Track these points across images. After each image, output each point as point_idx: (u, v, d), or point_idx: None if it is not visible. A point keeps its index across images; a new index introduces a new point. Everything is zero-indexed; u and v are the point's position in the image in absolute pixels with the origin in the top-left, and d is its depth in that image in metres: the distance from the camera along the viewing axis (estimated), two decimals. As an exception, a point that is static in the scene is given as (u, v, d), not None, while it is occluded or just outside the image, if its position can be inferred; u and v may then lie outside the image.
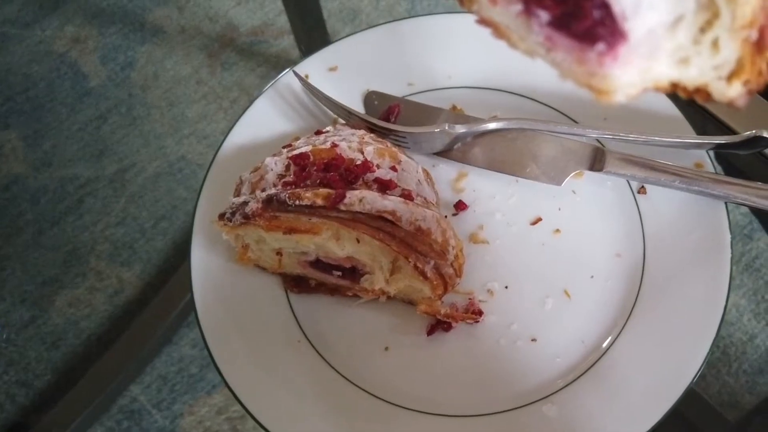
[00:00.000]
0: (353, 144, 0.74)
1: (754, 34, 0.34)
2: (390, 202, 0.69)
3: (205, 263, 0.79)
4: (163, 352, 1.23)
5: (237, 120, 0.85)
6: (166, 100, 1.46)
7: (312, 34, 1.32)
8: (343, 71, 0.89)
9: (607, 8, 0.35)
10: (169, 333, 1.24)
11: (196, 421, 1.17)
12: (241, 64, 1.50)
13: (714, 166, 0.81)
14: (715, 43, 0.36)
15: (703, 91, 0.38)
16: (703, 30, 0.36)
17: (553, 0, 0.36)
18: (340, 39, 0.89)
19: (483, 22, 0.41)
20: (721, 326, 0.73)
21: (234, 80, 1.48)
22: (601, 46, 0.36)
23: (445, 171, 0.85)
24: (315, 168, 0.72)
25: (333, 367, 0.75)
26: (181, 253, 1.31)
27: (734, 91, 0.37)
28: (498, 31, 0.40)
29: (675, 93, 0.39)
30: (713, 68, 0.37)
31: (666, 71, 0.38)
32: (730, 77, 0.36)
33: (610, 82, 0.37)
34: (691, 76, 0.37)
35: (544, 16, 0.37)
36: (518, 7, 0.38)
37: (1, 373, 1.21)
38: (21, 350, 1.23)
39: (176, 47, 1.53)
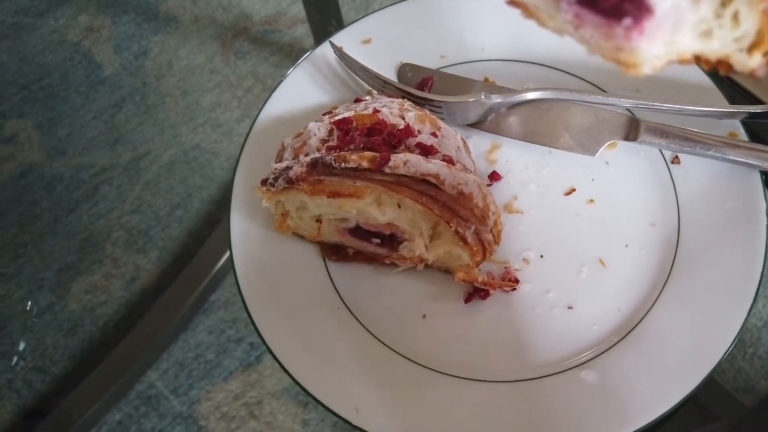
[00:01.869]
0: (394, 110, 0.75)
1: None
2: (434, 166, 0.69)
3: (244, 231, 0.79)
4: (180, 339, 1.22)
5: (273, 90, 0.85)
6: (180, 89, 1.46)
7: (327, 23, 1.32)
8: (376, 44, 0.89)
9: None
10: (185, 319, 1.24)
11: (213, 407, 1.17)
12: (255, 53, 1.50)
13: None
14: (735, 16, 0.37)
15: (724, 63, 0.39)
16: (724, 4, 0.37)
17: None
18: (373, 12, 0.90)
19: (513, 3, 0.42)
20: (759, 293, 0.73)
21: (248, 69, 1.48)
22: (627, 21, 0.37)
23: (478, 142, 0.85)
24: (358, 132, 0.72)
25: (372, 333, 0.76)
26: (196, 240, 1.31)
27: (755, 62, 0.38)
28: (528, 11, 0.41)
29: (698, 64, 0.41)
30: (734, 40, 0.38)
31: (689, 44, 0.39)
32: (751, 49, 0.38)
33: (637, 56, 0.38)
34: (714, 48, 0.39)
35: None
36: None
37: (18, 359, 1.20)
38: (38, 336, 1.23)
39: (190, 36, 1.53)
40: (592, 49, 0.40)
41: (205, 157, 1.38)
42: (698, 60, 0.40)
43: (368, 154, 0.69)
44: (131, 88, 1.47)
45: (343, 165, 0.69)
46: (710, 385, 1.02)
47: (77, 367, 1.22)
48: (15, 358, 1.20)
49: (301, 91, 0.86)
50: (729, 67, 0.39)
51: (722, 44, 0.38)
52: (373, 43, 0.89)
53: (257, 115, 0.84)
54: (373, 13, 0.90)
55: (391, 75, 0.88)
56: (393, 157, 0.69)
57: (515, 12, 0.43)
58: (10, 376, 1.19)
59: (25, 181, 1.37)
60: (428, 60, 0.89)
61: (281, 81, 0.86)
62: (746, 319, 0.72)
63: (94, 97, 1.46)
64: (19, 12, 1.58)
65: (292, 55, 1.49)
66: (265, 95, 0.85)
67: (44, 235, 1.31)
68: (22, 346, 1.21)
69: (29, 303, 1.23)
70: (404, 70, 0.88)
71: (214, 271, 1.25)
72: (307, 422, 1.12)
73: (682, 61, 0.40)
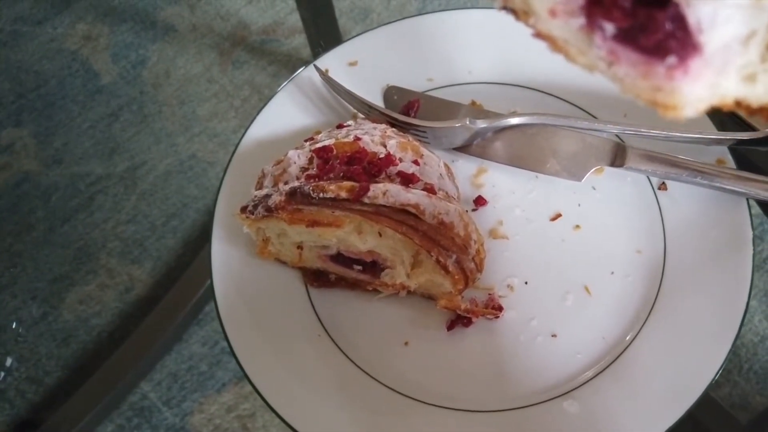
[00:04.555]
0: (376, 138, 0.74)
1: None
2: (413, 195, 0.69)
3: (225, 256, 0.79)
4: (174, 350, 1.23)
5: (257, 113, 0.85)
6: (177, 98, 1.46)
7: (324, 33, 1.32)
8: (362, 66, 0.89)
9: (681, 20, 0.33)
10: (179, 331, 1.24)
11: (206, 419, 1.17)
12: (252, 63, 1.50)
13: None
14: None
15: (766, 110, 0.37)
16: None
17: (621, 12, 0.35)
18: (360, 34, 0.89)
19: (540, 35, 0.39)
20: (743, 323, 0.72)
21: (245, 78, 1.48)
22: (672, 60, 0.34)
23: (464, 166, 0.85)
24: (338, 161, 0.72)
25: (353, 361, 0.75)
26: (191, 251, 1.31)
27: None
28: (555, 45, 0.39)
29: (737, 110, 0.38)
30: None
31: (733, 87, 0.36)
32: None
33: (678, 97, 0.36)
34: (757, 93, 0.36)
35: (609, 29, 0.35)
36: (581, 20, 0.36)
37: (11, 370, 1.20)
38: (31, 347, 1.23)
39: (188, 45, 1.53)
40: (626, 88, 0.37)
41: (201, 167, 1.38)
42: (739, 106, 0.37)
43: (347, 184, 0.69)
44: (128, 97, 1.47)
45: (321, 195, 0.68)
46: (706, 402, 1.02)
47: (70, 377, 1.22)
48: (2, 374, 1.20)
49: (286, 114, 0.86)
50: None
51: (766, 90, 0.36)
52: (359, 65, 0.89)
53: (240, 139, 0.83)
54: (359, 35, 0.89)
55: (377, 97, 0.87)
56: (372, 187, 0.68)
57: (503, 35, 0.41)
58: (2, 387, 1.19)
59: (21, 190, 1.37)
60: (415, 82, 0.88)
61: (265, 104, 0.86)
62: (731, 348, 0.71)
63: (91, 106, 1.46)
64: (17, 20, 1.58)
65: (289, 65, 1.49)
66: (261, 105, 0.85)
67: (39, 245, 1.31)
68: (9, 361, 1.21)
69: (14, 323, 1.23)
70: (390, 92, 0.88)
71: (208, 283, 1.25)
72: (299, 436, 1.12)
73: (724, 106, 0.37)
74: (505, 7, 0.39)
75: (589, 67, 0.38)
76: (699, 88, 0.35)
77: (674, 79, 0.35)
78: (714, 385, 1.09)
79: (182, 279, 1.29)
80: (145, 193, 1.36)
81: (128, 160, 1.39)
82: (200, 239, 1.33)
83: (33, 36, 1.56)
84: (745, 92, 0.36)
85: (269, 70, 1.49)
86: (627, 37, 0.35)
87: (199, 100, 1.46)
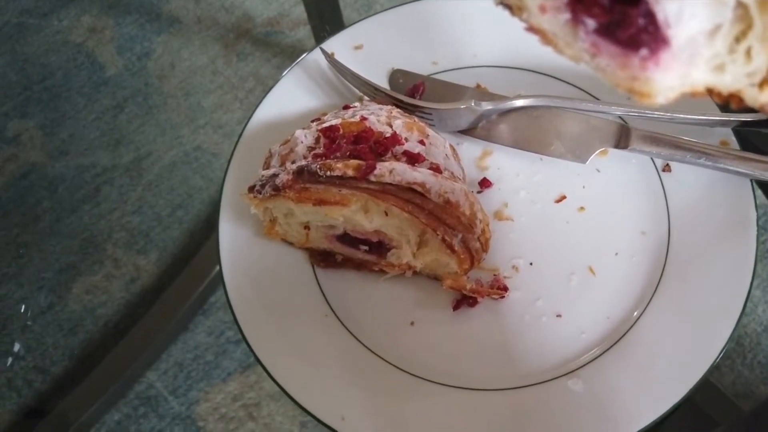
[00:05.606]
0: (382, 118, 0.75)
1: None
2: (420, 174, 0.69)
3: (233, 237, 0.79)
4: (180, 340, 1.23)
5: (264, 96, 0.86)
6: (182, 90, 1.47)
7: (328, 25, 1.32)
8: (368, 50, 0.90)
9: (651, 16, 0.36)
10: (185, 320, 1.24)
11: (212, 408, 1.18)
12: (257, 55, 1.51)
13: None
14: (748, 53, 0.38)
15: (736, 97, 0.40)
16: (737, 40, 0.37)
17: (600, 9, 0.38)
18: (365, 18, 0.90)
19: (532, 29, 0.42)
20: (747, 303, 0.73)
21: (249, 70, 1.48)
22: (644, 52, 0.38)
23: (469, 149, 0.85)
24: (345, 140, 0.73)
25: (359, 341, 0.76)
26: (196, 241, 1.31)
27: (765, 98, 0.39)
28: (546, 38, 0.42)
29: (710, 96, 0.41)
30: (746, 75, 0.38)
31: (703, 77, 0.39)
32: (762, 84, 0.38)
33: (651, 86, 0.39)
34: (726, 82, 0.39)
35: (591, 23, 0.39)
36: (566, 15, 0.40)
37: (18, 359, 1.21)
38: (38, 337, 1.23)
39: (192, 37, 1.54)
40: (608, 77, 0.41)
41: (206, 159, 1.38)
42: (710, 92, 0.40)
43: (354, 162, 0.70)
44: (133, 89, 1.47)
45: (328, 173, 0.69)
46: (709, 390, 1.02)
47: (77, 367, 1.23)
48: (10, 359, 1.20)
49: (293, 97, 0.87)
50: (740, 101, 0.40)
51: (734, 79, 0.39)
52: (365, 48, 0.90)
53: (247, 121, 0.84)
54: (365, 18, 0.90)
55: (382, 81, 0.88)
56: (378, 165, 0.69)
57: (508, 18, 0.44)
58: (10, 375, 1.20)
59: (27, 181, 1.37)
60: (420, 66, 0.89)
61: (272, 87, 0.86)
62: (735, 329, 0.72)
63: (96, 98, 1.46)
64: (23, 13, 1.59)
65: (293, 56, 1.49)
66: (268, 88, 0.86)
67: (45, 236, 1.32)
68: (17, 347, 1.21)
69: (23, 306, 1.24)
70: (396, 76, 0.88)
71: (213, 273, 1.26)
72: (305, 424, 1.12)
73: (695, 94, 0.40)
74: (501, 3, 0.43)
75: (575, 59, 0.42)
76: (670, 77, 0.39)
77: (647, 69, 0.38)
78: (718, 375, 1.09)
79: (188, 269, 1.29)
80: (151, 184, 1.37)
81: (134, 151, 1.40)
82: (205, 230, 1.33)
83: (39, 28, 1.57)
84: (715, 81, 0.39)
85: (273, 62, 1.49)
86: (606, 31, 0.39)
87: (203, 91, 1.46)
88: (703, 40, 0.37)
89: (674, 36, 0.37)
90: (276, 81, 0.86)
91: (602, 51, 0.39)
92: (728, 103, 0.40)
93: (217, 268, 1.23)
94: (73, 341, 1.24)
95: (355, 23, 0.90)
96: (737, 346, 1.20)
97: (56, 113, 1.45)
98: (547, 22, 0.41)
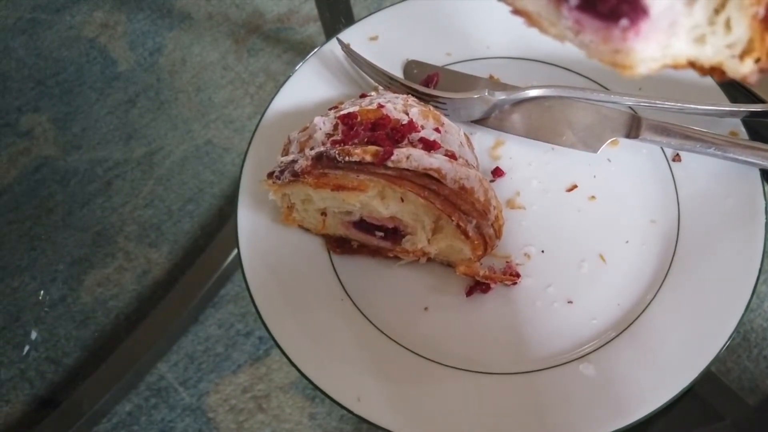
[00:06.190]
0: (398, 105, 0.76)
1: (761, 11, 0.37)
2: (436, 160, 0.70)
3: (251, 223, 0.81)
4: (190, 332, 1.24)
5: (282, 85, 0.87)
6: (193, 86, 1.48)
7: (338, 21, 1.33)
8: (383, 41, 0.91)
9: None
10: (195, 312, 1.25)
11: (222, 399, 1.18)
12: (267, 51, 1.52)
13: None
14: (727, 24, 0.38)
15: (717, 69, 0.40)
16: (716, 10, 0.38)
17: None
18: (380, 9, 0.91)
19: (517, 12, 0.43)
20: (756, 290, 0.74)
21: (260, 66, 1.50)
22: (624, 22, 0.39)
23: (482, 138, 0.87)
24: (362, 127, 0.74)
25: (374, 325, 0.77)
26: (207, 234, 1.32)
27: (746, 69, 0.39)
28: (530, 19, 0.43)
29: (693, 70, 0.42)
30: (727, 47, 0.39)
31: (684, 48, 0.40)
32: (743, 55, 0.39)
33: (632, 57, 0.40)
34: (707, 54, 0.40)
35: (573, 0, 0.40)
36: None
37: (30, 349, 1.22)
38: (51, 328, 1.24)
39: (203, 33, 1.55)
40: (591, 53, 0.42)
41: (217, 153, 1.40)
42: (692, 65, 0.41)
43: (372, 148, 0.71)
44: (145, 84, 1.48)
45: (346, 159, 0.70)
46: (714, 384, 1.03)
47: (89, 358, 1.23)
48: (27, 348, 1.22)
49: (309, 86, 0.88)
50: (722, 73, 0.40)
51: (715, 51, 0.39)
52: (380, 40, 0.91)
53: (265, 110, 0.85)
54: (380, 10, 0.91)
55: (397, 71, 0.89)
56: (396, 151, 0.70)
57: None
58: (23, 366, 1.21)
59: (40, 174, 1.39)
60: (434, 57, 0.90)
61: (290, 76, 0.87)
62: (743, 315, 0.73)
63: (108, 93, 1.47)
64: (36, 8, 1.60)
65: (304, 52, 1.50)
66: (286, 78, 0.87)
67: (58, 229, 1.33)
68: (34, 335, 1.23)
69: (42, 293, 1.25)
70: (410, 66, 0.89)
71: (224, 266, 1.27)
72: (314, 415, 1.13)
73: (677, 66, 0.41)
74: None
75: (559, 37, 0.43)
76: (651, 47, 0.40)
77: (628, 39, 0.39)
78: (724, 370, 1.10)
79: (198, 262, 1.30)
80: (162, 178, 1.38)
81: (145, 145, 1.41)
82: (216, 223, 1.34)
83: (51, 24, 1.58)
84: (696, 53, 0.40)
85: (284, 58, 1.50)
86: (587, 5, 0.40)
87: (214, 87, 1.47)
88: (682, 8, 0.38)
89: (652, 4, 0.38)
90: (293, 71, 0.88)
91: (585, 27, 0.40)
92: (710, 75, 0.41)
93: (228, 261, 1.26)
94: (86, 333, 1.24)
95: (370, 15, 0.91)
96: (743, 341, 1.21)
97: (69, 107, 1.46)
98: (531, 3, 0.42)
